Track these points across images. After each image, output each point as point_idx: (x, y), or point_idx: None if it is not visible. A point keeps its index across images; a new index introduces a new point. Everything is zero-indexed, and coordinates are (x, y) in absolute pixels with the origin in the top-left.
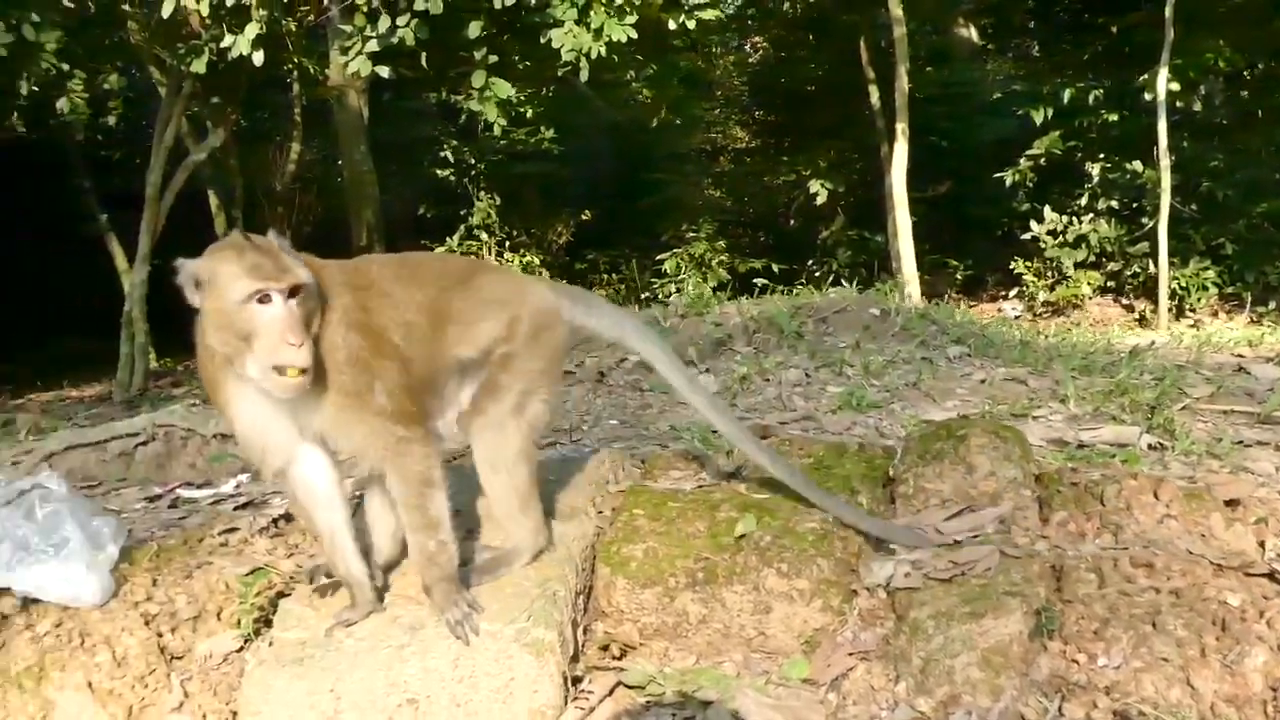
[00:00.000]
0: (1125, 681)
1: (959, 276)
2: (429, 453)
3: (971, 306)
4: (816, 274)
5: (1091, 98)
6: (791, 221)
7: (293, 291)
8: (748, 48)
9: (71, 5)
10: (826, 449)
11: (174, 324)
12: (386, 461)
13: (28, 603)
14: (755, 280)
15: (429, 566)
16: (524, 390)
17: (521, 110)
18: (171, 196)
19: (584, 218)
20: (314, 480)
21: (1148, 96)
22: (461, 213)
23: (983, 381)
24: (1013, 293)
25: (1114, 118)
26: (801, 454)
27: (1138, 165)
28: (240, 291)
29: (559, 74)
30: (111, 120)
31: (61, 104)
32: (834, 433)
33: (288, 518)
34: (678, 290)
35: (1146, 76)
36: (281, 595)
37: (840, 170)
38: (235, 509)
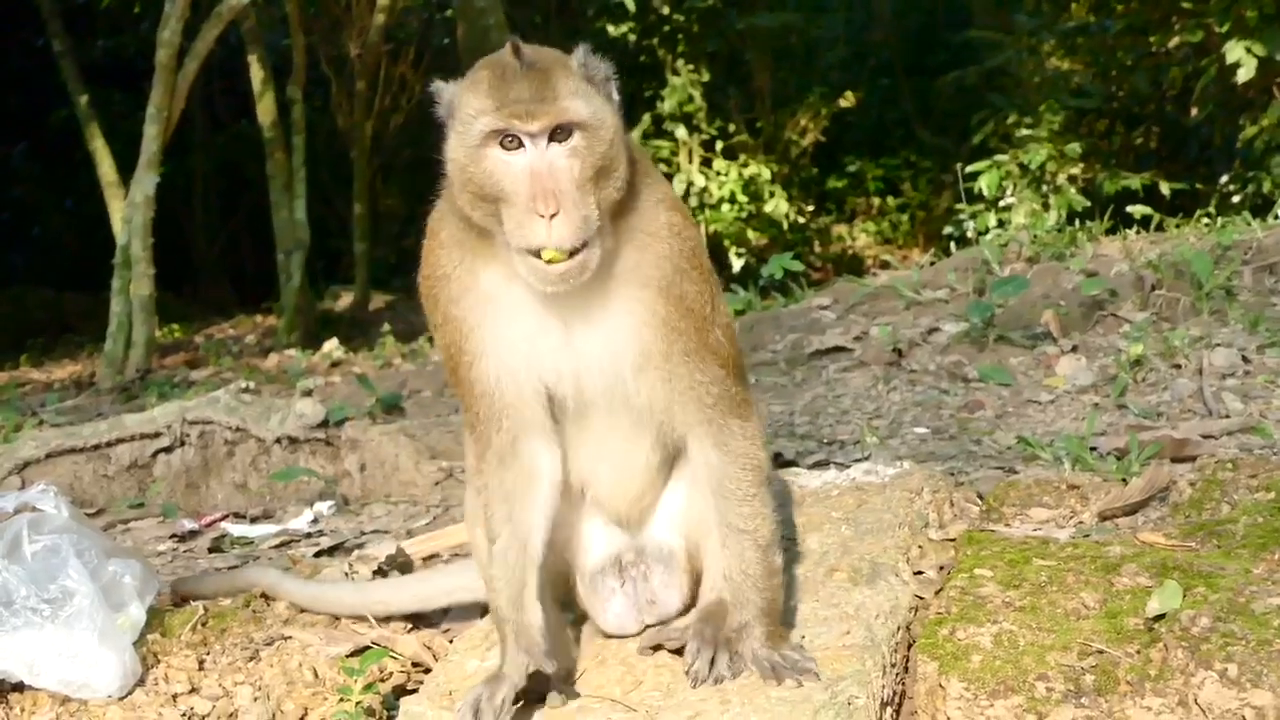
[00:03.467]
0: None
1: None
2: (761, 431)
3: None
4: (1235, 199)
5: None
6: (1193, 111)
7: (561, 134)
8: None
9: None
10: None
11: (189, 270)
12: (712, 432)
13: (7, 687)
14: (1131, 207)
15: (750, 591)
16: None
17: None
18: (195, 65)
19: (844, 104)
20: (543, 465)
21: None
22: (646, 94)
23: None
24: None
25: None
26: (1253, 482)
27: None
28: (478, 129)
29: None
30: None
31: None
32: None
33: (403, 568)
34: (1000, 224)
35: None
36: (403, 692)
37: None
38: (317, 554)
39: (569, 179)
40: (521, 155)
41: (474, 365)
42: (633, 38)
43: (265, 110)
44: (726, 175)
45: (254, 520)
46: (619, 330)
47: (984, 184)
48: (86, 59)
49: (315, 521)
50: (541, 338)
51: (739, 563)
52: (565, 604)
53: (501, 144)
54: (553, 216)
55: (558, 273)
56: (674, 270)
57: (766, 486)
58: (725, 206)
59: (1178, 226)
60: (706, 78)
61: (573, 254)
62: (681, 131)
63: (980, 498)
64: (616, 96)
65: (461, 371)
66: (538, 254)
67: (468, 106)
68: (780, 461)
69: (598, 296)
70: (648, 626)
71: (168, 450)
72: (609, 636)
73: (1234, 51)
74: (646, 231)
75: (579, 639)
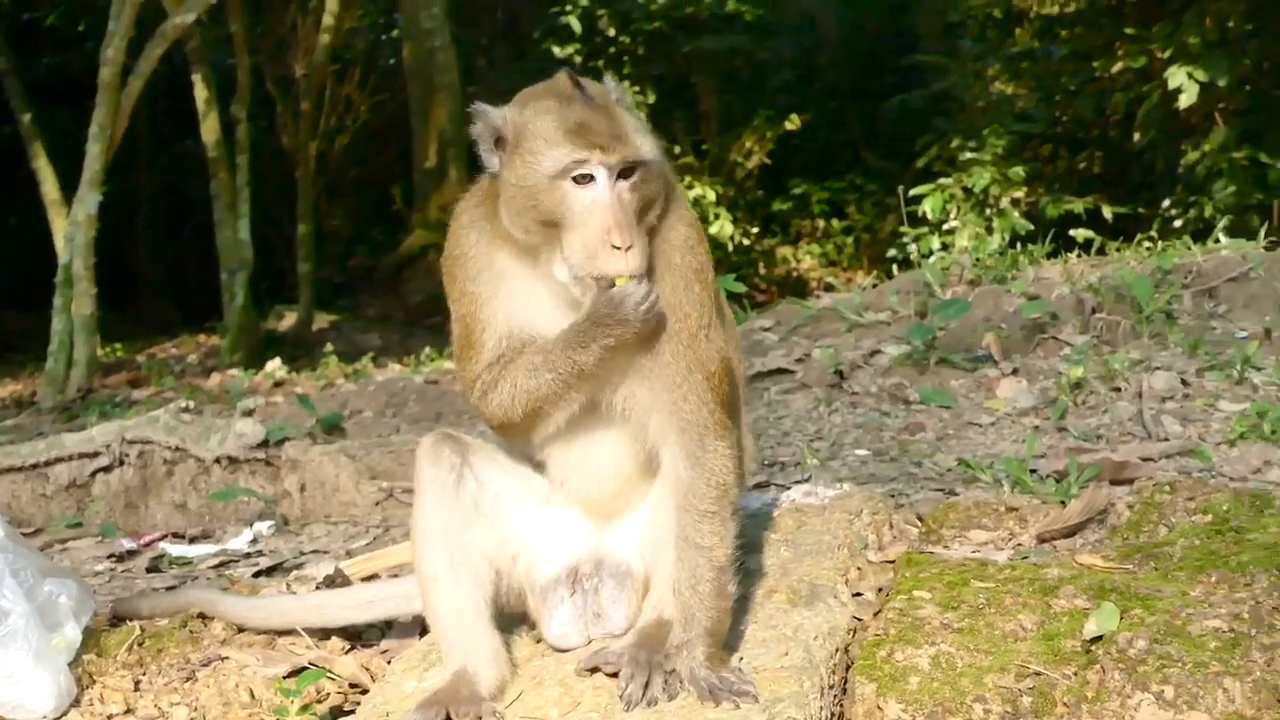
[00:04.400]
0: None
1: None
2: (736, 456)
3: None
4: (1177, 224)
5: None
6: (1136, 136)
7: (626, 170)
8: None
9: None
10: (1232, 500)
11: (132, 289)
12: (685, 443)
13: None
14: (1074, 231)
15: (697, 609)
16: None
17: None
18: (139, 84)
19: (790, 127)
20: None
21: None
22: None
23: None
24: None
25: None
26: (1191, 505)
27: None
28: (554, 161)
29: None
30: None
31: None
32: (1233, 477)
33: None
34: (944, 247)
35: None
36: (340, 713)
37: (1222, 51)
38: (256, 575)
39: (632, 210)
40: (593, 188)
41: (485, 331)
42: (579, 59)
43: (210, 129)
44: None
45: (193, 540)
46: None
47: (928, 207)
48: (31, 77)
49: (254, 542)
50: (548, 321)
51: (690, 578)
52: (503, 625)
53: (576, 177)
54: (628, 247)
55: (642, 312)
56: (681, 279)
57: (730, 511)
58: None
59: (1118, 250)
60: (653, 100)
61: (632, 279)
62: None
63: (920, 519)
64: None
65: (474, 336)
66: (602, 279)
67: (538, 136)
68: None
69: None
70: (592, 641)
71: (106, 470)
72: (553, 649)
73: (1176, 77)
74: (664, 239)
75: (517, 660)
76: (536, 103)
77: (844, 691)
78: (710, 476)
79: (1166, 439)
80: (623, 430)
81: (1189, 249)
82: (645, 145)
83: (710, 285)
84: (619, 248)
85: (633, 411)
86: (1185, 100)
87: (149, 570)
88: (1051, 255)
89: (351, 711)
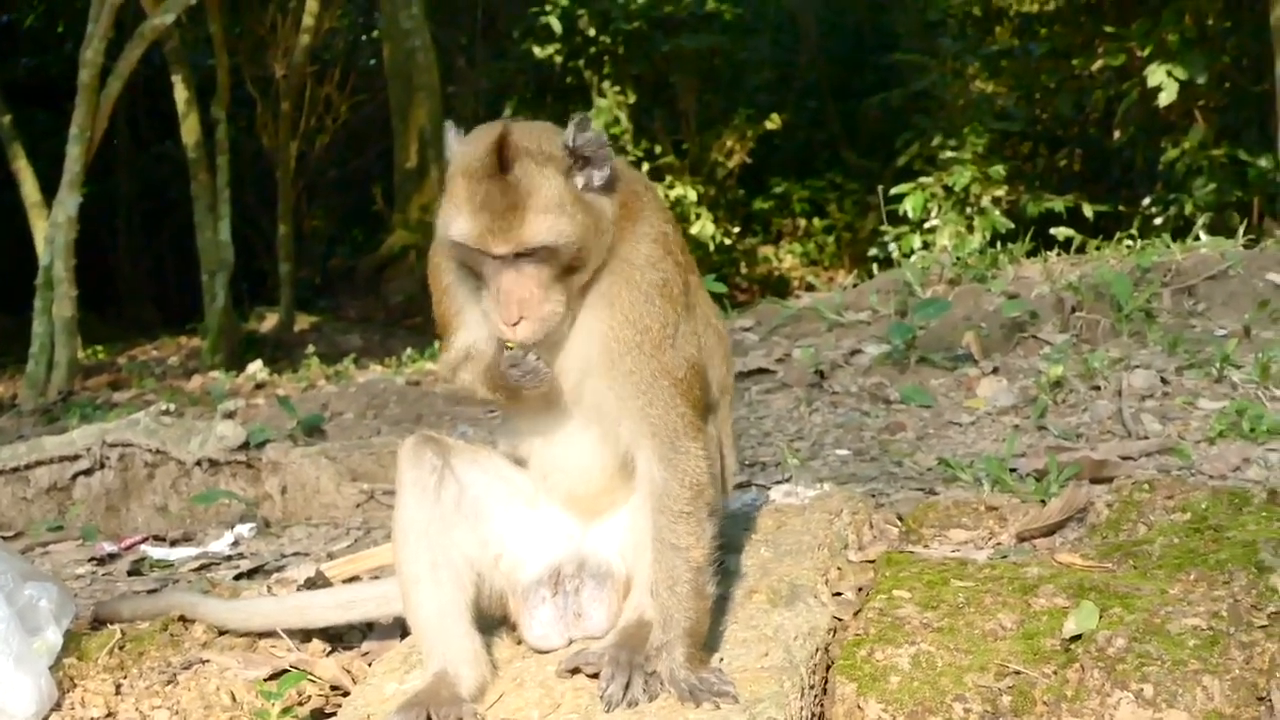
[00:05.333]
0: None
1: None
2: (708, 457)
3: None
4: (1157, 221)
5: None
6: (1116, 134)
7: (530, 252)
8: None
9: None
10: (1211, 498)
11: (113, 291)
12: (657, 446)
13: None
14: (1054, 230)
15: (676, 610)
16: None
17: None
18: (118, 85)
19: (770, 126)
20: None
21: None
22: (575, 116)
23: None
24: None
25: None
26: (1170, 503)
27: None
28: (452, 235)
29: None
30: None
31: None
32: (1212, 475)
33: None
34: (924, 245)
35: None
36: (321, 715)
37: (1201, 48)
38: (237, 577)
39: (536, 283)
40: (494, 263)
41: (455, 334)
42: (559, 60)
43: (189, 130)
44: None
45: (174, 543)
46: (580, 343)
47: (909, 206)
48: (9, 78)
49: (236, 544)
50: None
51: (668, 579)
52: (484, 626)
53: (477, 249)
54: (516, 322)
55: (526, 382)
56: (642, 296)
57: (706, 511)
58: None
59: (1098, 248)
60: (632, 100)
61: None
62: None
63: (900, 519)
64: (611, 164)
65: (447, 333)
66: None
67: (451, 199)
68: None
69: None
70: (573, 642)
71: (87, 473)
72: (534, 650)
73: (1155, 75)
74: (626, 259)
75: (498, 661)
76: (463, 158)
77: (824, 691)
78: (684, 477)
79: (1146, 437)
80: (598, 430)
81: (1168, 247)
82: (546, 230)
83: (676, 298)
84: (507, 322)
85: (603, 415)
86: (1164, 98)
87: (130, 573)
88: (1031, 254)
89: (333, 714)
